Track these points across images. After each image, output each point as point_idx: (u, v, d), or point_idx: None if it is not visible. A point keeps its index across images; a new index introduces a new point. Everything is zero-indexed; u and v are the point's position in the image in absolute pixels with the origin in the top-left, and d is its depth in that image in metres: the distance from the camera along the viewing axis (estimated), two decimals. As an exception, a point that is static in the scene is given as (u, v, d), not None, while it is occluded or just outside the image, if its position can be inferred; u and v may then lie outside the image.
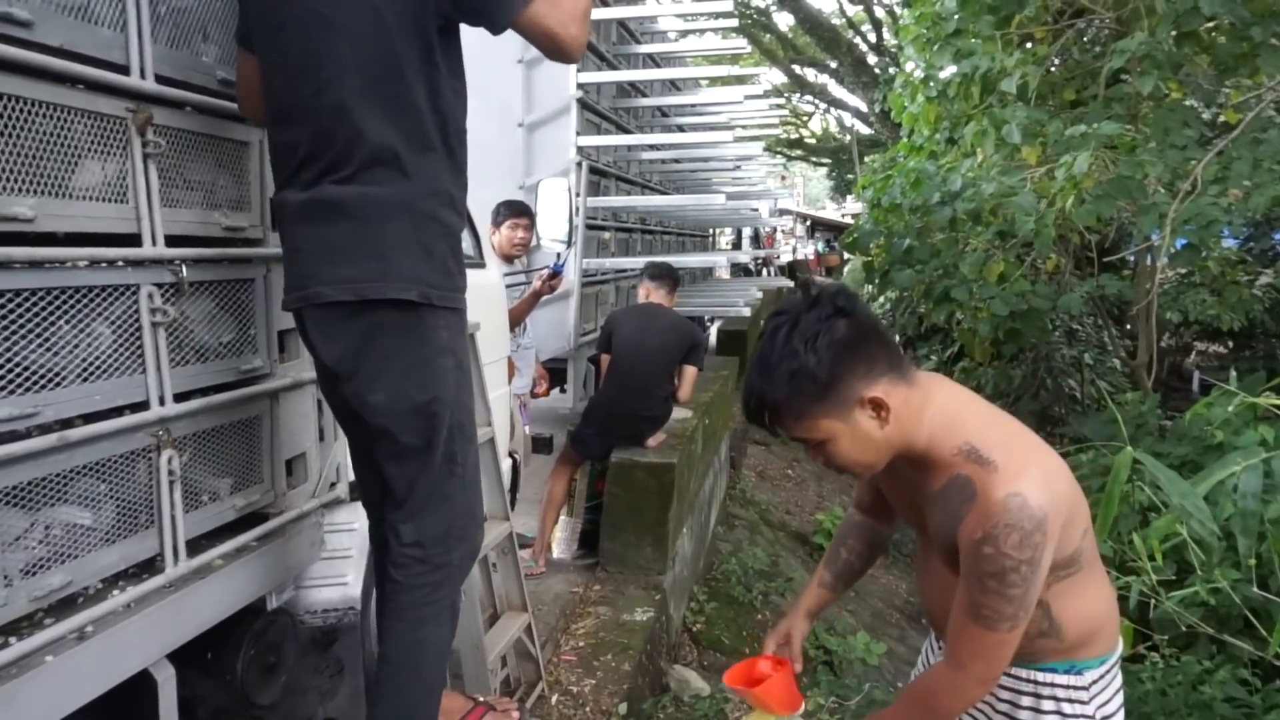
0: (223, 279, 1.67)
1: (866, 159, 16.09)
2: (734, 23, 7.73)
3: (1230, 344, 10.11)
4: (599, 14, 5.09)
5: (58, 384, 1.31)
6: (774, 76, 19.67)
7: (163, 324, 1.49)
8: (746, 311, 6.77)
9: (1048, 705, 1.32)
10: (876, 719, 1.40)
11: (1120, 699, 1.39)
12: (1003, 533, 1.15)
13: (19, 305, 1.25)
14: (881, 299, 10.32)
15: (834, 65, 17.77)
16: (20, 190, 1.25)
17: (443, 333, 1.62)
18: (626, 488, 3.79)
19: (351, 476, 2.01)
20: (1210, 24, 4.84)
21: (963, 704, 1.29)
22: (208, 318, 1.64)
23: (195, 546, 1.61)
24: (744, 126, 8.66)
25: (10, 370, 1.24)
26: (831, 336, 1.21)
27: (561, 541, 4.12)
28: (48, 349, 1.30)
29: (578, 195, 4.52)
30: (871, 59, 16.91)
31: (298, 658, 1.97)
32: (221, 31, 1.66)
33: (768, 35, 18.76)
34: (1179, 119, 4.87)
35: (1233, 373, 3.35)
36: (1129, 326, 8.36)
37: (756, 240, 17.15)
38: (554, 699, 2.76)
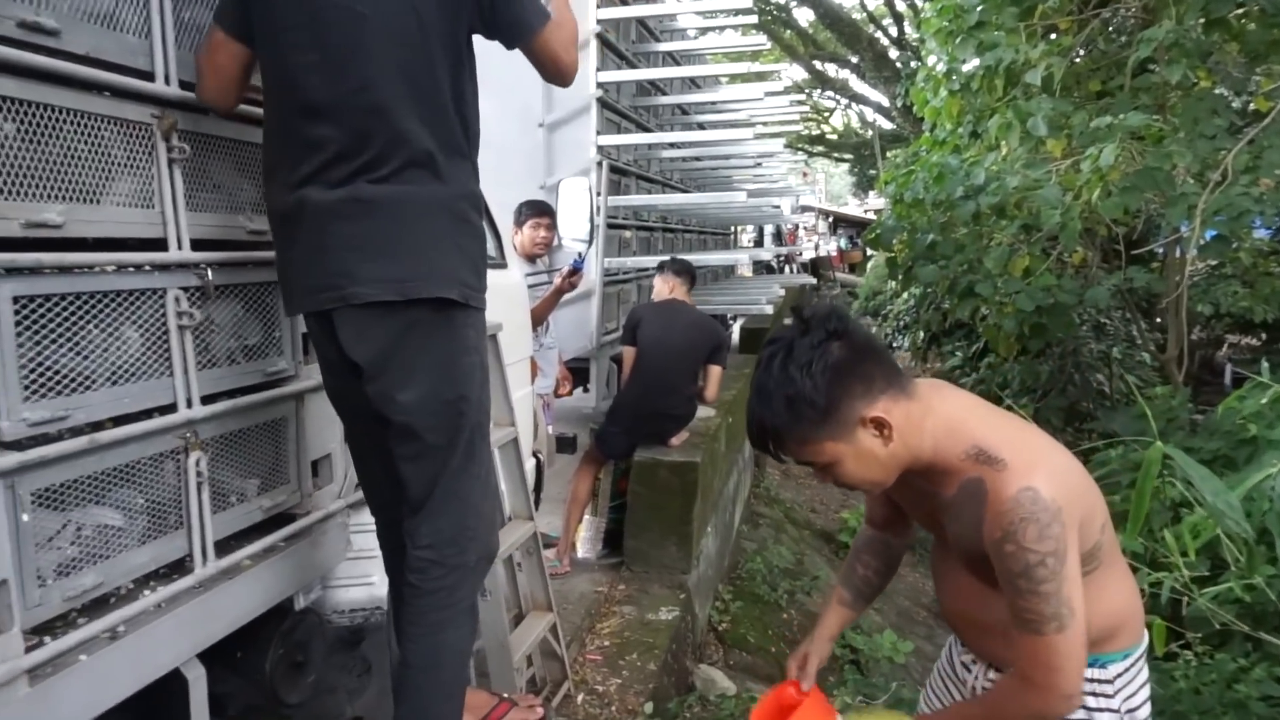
0: (247, 282, 1.69)
1: (889, 154, 15.98)
2: (754, 19, 7.71)
3: (1263, 336, 9.92)
4: (619, 13, 5.09)
5: (87, 387, 1.33)
6: (794, 73, 19.58)
7: (189, 327, 1.51)
8: (769, 309, 6.73)
9: None
10: (948, 715, 1.39)
11: (1146, 692, 1.37)
12: (1020, 528, 1.14)
13: (49, 310, 1.27)
14: (905, 295, 10.24)
15: (855, 60, 17.64)
16: (49, 197, 1.27)
17: (470, 331, 1.66)
18: (650, 486, 3.79)
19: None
20: (1240, 10, 4.75)
21: (1037, 716, 1.22)
22: (233, 320, 1.66)
23: (224, 547, 1.62)
24: (765, 123, 8.63)
25: (41, 374, 1.26)
26: (826, 361, 1.21)
27: (586, 541, 4.13)
28: (77, 353, 1.32)
29: (598, 194, 4.52)
30: (893, 53, 16.78)
31: (326, 657, 1.98)
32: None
33: (788, 31, 18.67)
34: (1208, 108, 4.78)
35: (1264, 365, 3.28)
36: (1158, 320, 8.23)
37: (779, 237, 17.07)
38: (580, 698, 2.76)
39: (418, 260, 1.56)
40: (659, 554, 3.77)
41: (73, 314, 1.31)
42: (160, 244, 1.47)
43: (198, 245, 1.54)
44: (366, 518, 2.01)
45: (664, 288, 4.18)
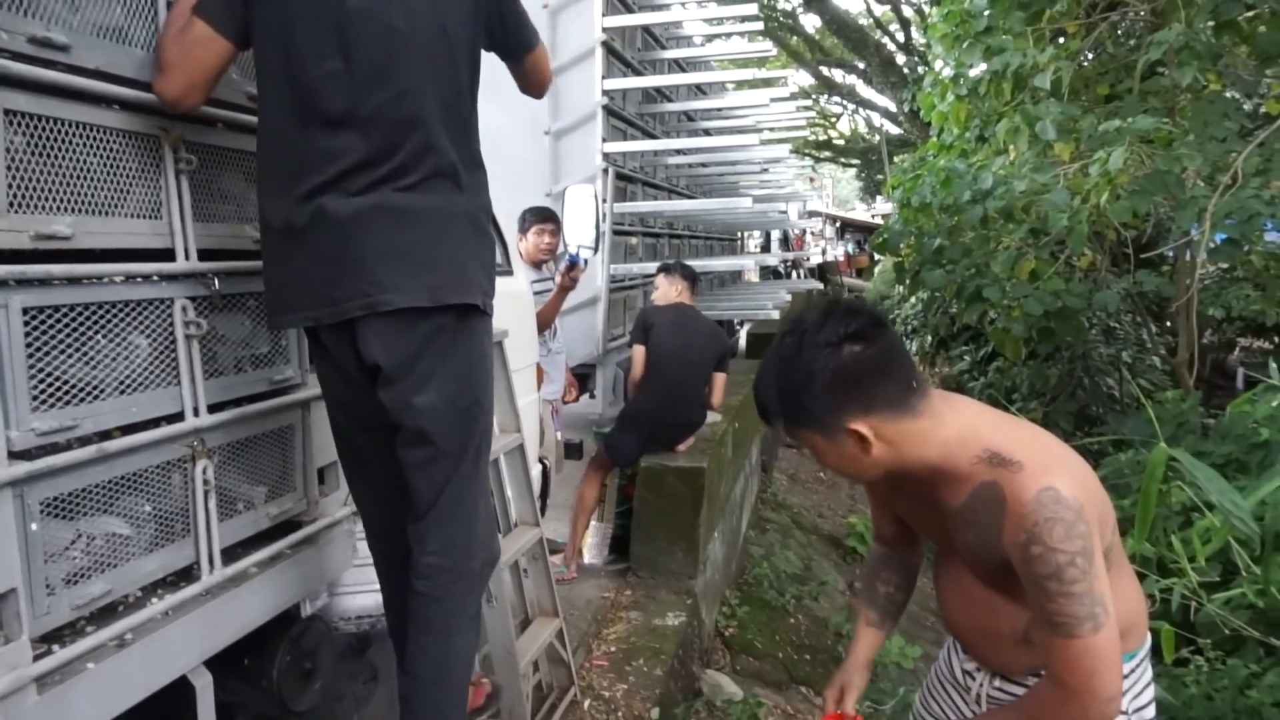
0: (254, 291, 1.70)
1: (896, 159, 15.94)
2: (760, 26, 7.70)
3: (1275, 339, 9.84)
4: (625, 20, 5.11)
5: (96, 397, 1.34)
6: (801, 78, 19.57)
7: (196, 336, 1.52)
8: (775, 314, 6.72)
9: None
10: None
11: (1151, 692, 1.36)
12: (1045, 528, 1.11)
13: (58, 320, 1.28)
14: (913, 299, 10.21)
15: (862, 66, 17.65)
16: (59, 209, 1.29)
17: (486, 338, 1.70)
18: (657, 492, 3.79)
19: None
20: (1250, 12, 4.73)
21: None
22: (240, 329, 1.67)
23: (231, 554, 1.63)
24: (771, 129, 8.63)
25: (50, 384, 1.27)
26: (832, 366, 1.19)
27: (592, 546, 4.13)
28: (86, 363, 1.33)
29: (605, 201, 4.53)
30: (900, 58, 16.77)
31: (333, 664, 1.99)
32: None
33: (794, 37, 18.69)
34: (1218, 111, 4.76)
35: (1274, 367, 3.26)
36: (1169, 323, 8.18)
37: (785, 243, 17.04)
38: (586, 704, 2.76)
39: (446, 268, 1.59)
40: (666, 559, 3.77)
41: (81, 324, 1.32)
42: (168, 254, 1.49)
43: (205, 255, 1.56)
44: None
45: (670, 290, 4.16)
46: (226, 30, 1.46)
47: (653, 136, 6.00)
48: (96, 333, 1.35)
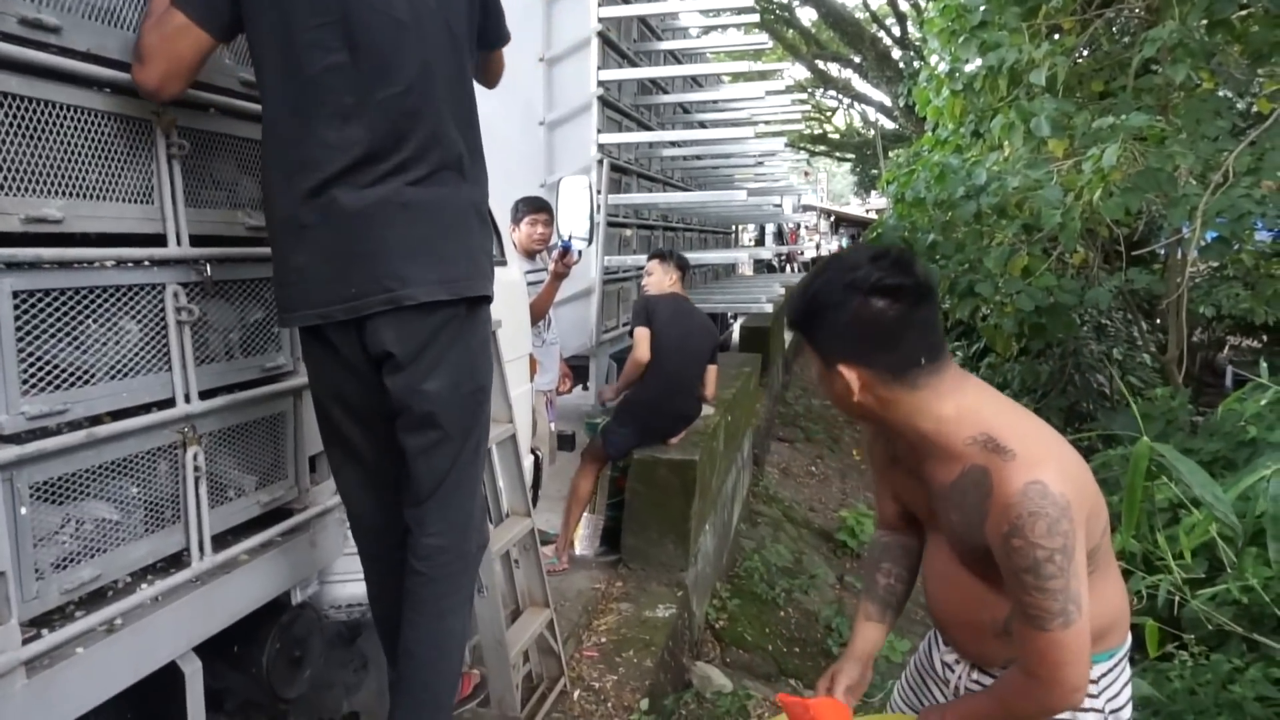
0: (246, 278, 1.69)
1: (891, 154, 15.96)
2: (756, 18, 7.70)
3: (1265, 338, 9.91)
4: (621, 11, 5.09)
5: (86, 382, 1.34)
6: (797, 72, 19.57)
7: (188, 322, 1.51)
8: (769, 308, 6.74)
9: None
10: (957, 709, 1.35)
11: (1129, 692, 1.37)
12: (1028, 522, 1.12)
13: (49, 304, 1.28)
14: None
15: (858, 60, 17.64)
16: (50, 192, 1.28)
17: (488, 326, 1.73)
18: (649, 484, 3.80)
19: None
20: (1243, 11, 4.74)
21: (1040, 713, 1.22)
22: (232, 316, 1.67)
23: (221, 541, 1.63)
24: (766, 122, 8.63)
25: (41, 368, 1.26)
26: (845, 307, 1.21)
27: (584, 538, 4.14)
28: (76, 347, 1.32)
29: (599, 192, 4.52)
30: (896, 53, 16.77)
31: (323, 652, 1.99)
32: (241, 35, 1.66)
33: (790, 30, 18.67)
34: (1211, 109, 4.78)
35: (1264, 365, 3.28)
36: (1159, 321, 8.23)
37: (780, 236, 17.07)
38: (576, 695, 2.77)
39: (461, 260, 1.62)
40: (657, 552, 3.78)
41: (72, 309, 1.31)
42: (160, 240, 1.48)
43: (197, 241, 1.55)
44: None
45: (665, 279, 4.12)
46: (205, 22, 1.43)
47: (648, 128, 5.99)
48: (87, 317, 1.34)
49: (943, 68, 6.27)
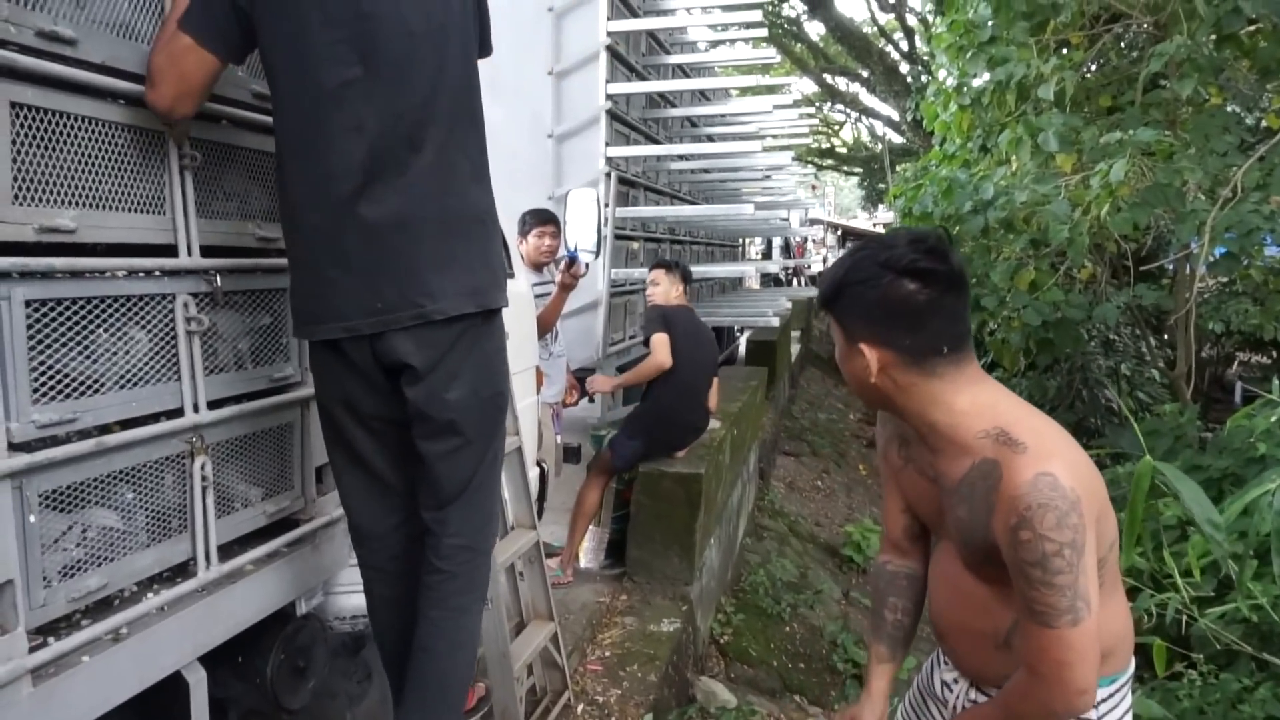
0: (256, 288, 1.70)
1: (898, 168, 15.98)
2: (764, 33, 7.73)
3: (1274, 354, 9.86)
4: (630, 25, 5.12)
5: (96, 391, 1.35)
6: (805, 86, 19.65)
7: (197, 333, 1.52)
8: (775, 322, 6.74)
9: None
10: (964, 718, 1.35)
11: (1129, 719, 1.35)
12: (1037, 514, 1.10)
13: (60, 314, 1.29)
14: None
15: (865, 74, 17.70)
16: (63, 202, 1.29)
17: (502, 332, 1.75)
18: (654, 497, 3.79)
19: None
20: (1251, 27, 4.75)
21: (1046, 715, 1.18)
22: (241, 326, 1.67)
23: (227, 551, 1.64)
24: (774, 136, 8.66)
25: (51, 377, 1.27)
26: (874, 284, 1.22)
27: (589, 551, 4.13)
28: (87, 357, 1.33)
29: (606, 205, 4.54)
30: (904, 67, 16.82)
31: (327, 662, 1.99)
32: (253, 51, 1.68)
33: (799, 45, 18.74)
34: (1219, 124, 4.78)
35: (1275, 382, 3.27)
36: (1167, 337, 8.19)
37: (787, 250, 17.10)
38: (580, 709, 2.76)
39: (483, 271, 1.65)
40: (662, 565, 3.77)
41: (83, 318, 1.32)
42: (170, 250, 1.49)
43: (207, 251, 1.56)
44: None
45: (672, 290, 4.11)
46: (210, 43, 1.43)
47: (655, 141, 6.01)
48: (98, 327, 1.35)
49: (950, 82, 6.29)
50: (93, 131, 1.34)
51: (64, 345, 1.29)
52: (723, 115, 7.34)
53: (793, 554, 5.56)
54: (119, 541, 1.40)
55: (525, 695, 2.48)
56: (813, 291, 13.14)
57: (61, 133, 1.28)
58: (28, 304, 1.23)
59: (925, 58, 13.82)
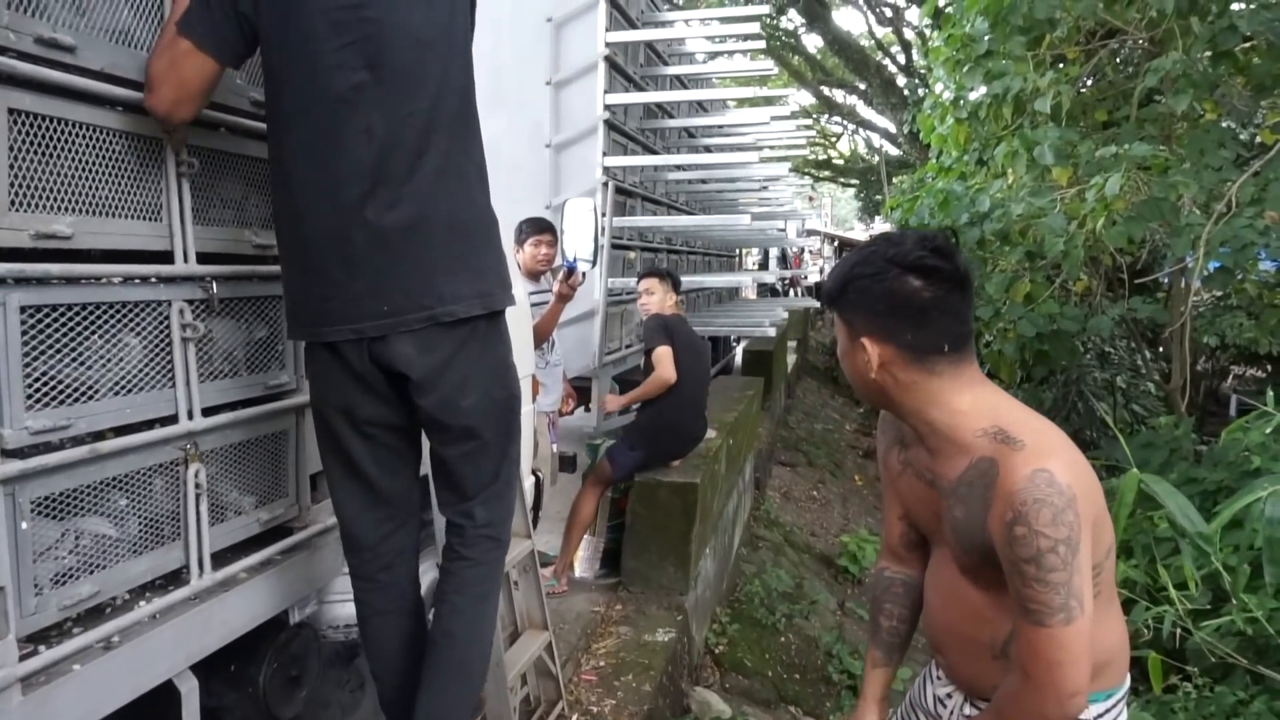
0: (252, 295, 1.70)
1: (895, 180, 16.03)
2: (762, 45, 7.76)
3: (1269, 367, 9.89)
4: (628, 36, 5.14)
5: (91, 397, 1.34)
6: (802, 98, 19.71)
7: (192, 339, 1.52)
8: (772, 332, 6.74)
9: None
10: None
11: None
12: (1032, 509, 1.10)
13: (56, 320, 1.28)
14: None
15: (863, 87, 17.77)
16: (60, 209, 1.29)
17: (508, 333, 1.77)
18: (650, 507, 3.78)
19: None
20: (1246, 43, 4.78)
21: (1041, 717, 1.15)
22: (236, 333, 1.67)
23: (220, 559, 1.63)
24: (771, 147, 8.67)
25: (46, 383, 1.27)
26: (880, 279, 1.23)
27: (584, 560, 4.12)
28: (82, 363, 1.33)
29: (604, 215, 4.54)
30: (900, 80, 16.90)
31: (320, 671, 1.98)
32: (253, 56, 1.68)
33: (796, 57, 18.83)
34: (1214, 139, 4.80)
35: (1270, 394, 3.27)
36: (1163, 350, 8.22)
37: (784, 261, 17.12)
38: (574, 718, 2.74)
39: (488, 274, 1.67)
40: (657, 575, 3.76)
41: (79, 324, 1.32)
42: (166, 256, 1.49)
43: (203, 258, 1.56)
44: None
45: (667, 299, 4.11)
46: (210, 47, 1.44)
47: (653, 152, 6.02)
48: (93, 333, 1.35)
49: (947, 95, 6.31)
50: (90, 138, 1.34)
51: (59, 351, 1.29)
52: (720, 126, 7.35)
53: (788, 564, 5.55)
54: (112, 549, 1.39)
55: (519, 705, 2.47)
56: (809, 302, 13.16)
57: (59, 139, 1.29)
58: (23, 309, 1.22)
59: (922, 71, 13.89)
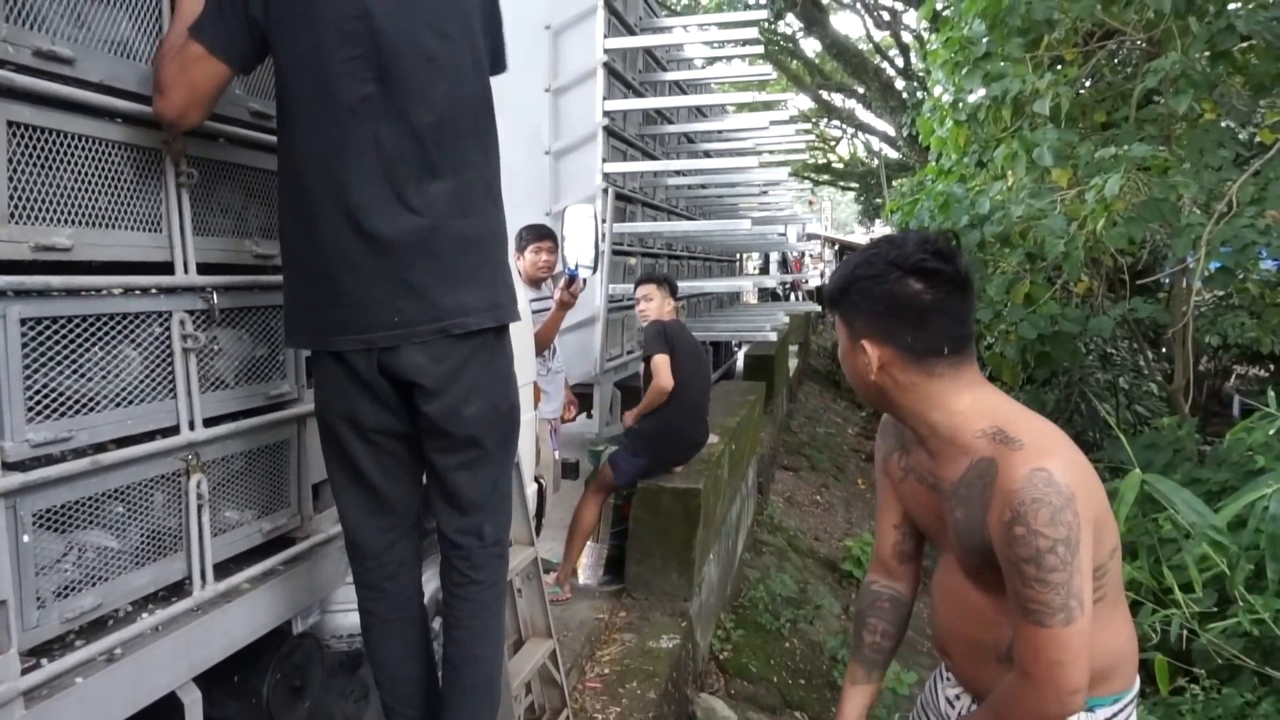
0: (252, 305, 1.70)
1: (895, 183, 16.04)
2: (760, 49, 7.78)
3: (1271, 367, 9.87)
4: (626, 42, 5.16)
5: (92, 409, 1.34)
6: (801, 102, 19.76)
7: (194, 350, 1.52)
8: (773, 336, 6.75)
9: None
10: None
11: None
12: (1031, 509, 1.10)
13: (56, 332, 1.28)
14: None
15: (861, 90, 17.80)
16: (60, 220, 1.29)
17: (512, 347, 1.79)
18: (653, 513, 3.78)
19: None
20: (1245, 44, 4.78)
21: (1042, 716, 1.16)
22: (237, 344, 1.67)
23: (223, 570, 1.62)
24: (770, 152, 8.69)
25: (47, 395, 1.27)
26: (880, 281, 1.24)
27: (587, 567, 4.11)
28: (82, 375, 1.33)
29: (604, 221, 4.55)
30: (899, 83, 16.91)
31: (323, 682, 1.97)
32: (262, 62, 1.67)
33: (795, 61, 18.85)
34: (1214, 139, 4.80)
35: (1272, 395, 3.26)
36: (1165, 350, 8.20)
37: (784, 265, 17.12)
38: (579, 726, 2.74)
39: (499, 286, 1.68)
40: (661, 581, 3.75)
41: (79, 336, 1.32)
42: (167, 268, 1.49)
43: (204, 269, 1.56)
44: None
45: (665, 305, 4.11)
46: (222, 52, 1.44)
47: (653, 157, 6.04)
48: (94, 345, 1.35)
49: (946, 98, 6.32)
50: (90, 150, 1.34)
51: (59, 363, 1.29)
52: (719, 131, 7.37)
53: (792, 569, 5.54)
54: (114, 561, 1.39)
55: (524, 713, 2.46)
56: (810, 306, 13.17)
57: (58, 151, 1.28)
58: (23, 322, 1.22)
59: (920, 74, 13.90)
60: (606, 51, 4.81)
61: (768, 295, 14.77)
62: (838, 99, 20.45)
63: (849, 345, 1.31)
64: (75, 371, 1.31)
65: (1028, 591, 1.12)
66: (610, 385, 5.07)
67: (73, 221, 1.31)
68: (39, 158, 1.25)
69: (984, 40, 5.59)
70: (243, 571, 1.67)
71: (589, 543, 4.02)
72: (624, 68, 5.32)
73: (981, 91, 5.69)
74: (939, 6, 6.72)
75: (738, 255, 11.66)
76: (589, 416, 5.09)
